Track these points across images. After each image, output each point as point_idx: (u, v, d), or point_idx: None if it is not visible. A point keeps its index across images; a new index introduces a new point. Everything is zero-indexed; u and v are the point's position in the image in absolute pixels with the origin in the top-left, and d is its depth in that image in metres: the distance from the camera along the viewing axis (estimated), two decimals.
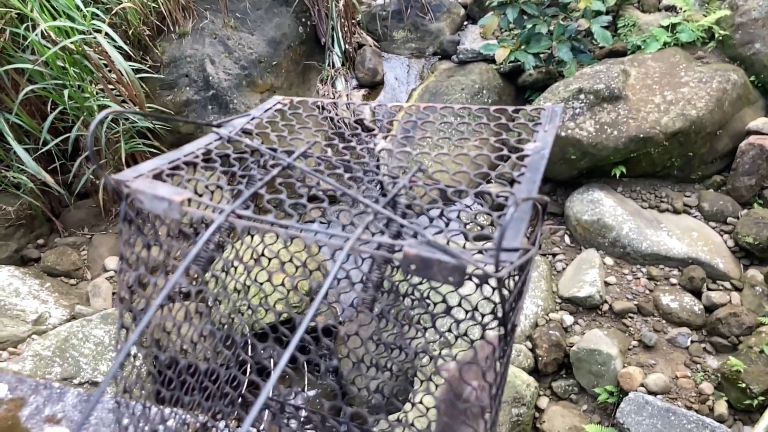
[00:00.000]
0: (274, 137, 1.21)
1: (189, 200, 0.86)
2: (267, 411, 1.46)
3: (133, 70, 3.89)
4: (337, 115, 4.89)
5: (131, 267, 0.96)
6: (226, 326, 1.39)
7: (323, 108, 4.97)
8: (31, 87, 3.63)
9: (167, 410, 1.18)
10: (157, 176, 0.96)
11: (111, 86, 3.84)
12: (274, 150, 1.11)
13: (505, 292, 0.88)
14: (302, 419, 1.44)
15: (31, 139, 3.94)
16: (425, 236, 0.74)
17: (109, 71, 3.84)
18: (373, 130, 4.92)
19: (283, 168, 1.03)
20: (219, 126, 1.19)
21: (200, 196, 0.91)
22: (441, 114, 1.22)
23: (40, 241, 4.10)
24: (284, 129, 1.23)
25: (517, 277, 0.92)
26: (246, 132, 1.18)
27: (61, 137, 3.88)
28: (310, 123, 1.17)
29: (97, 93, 3.82)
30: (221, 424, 1.42)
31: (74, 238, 4.12)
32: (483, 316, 1.16)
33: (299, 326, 0.64)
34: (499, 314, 0.89)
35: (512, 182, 1.05)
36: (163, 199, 0.85)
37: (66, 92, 3.64)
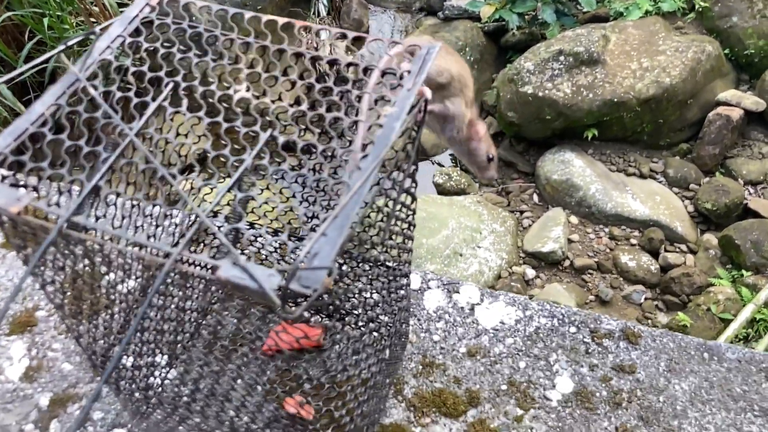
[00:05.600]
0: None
1: (27, 208, 0.77)
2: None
3: (116, 3, 3.85)
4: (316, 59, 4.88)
5: None
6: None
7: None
8: (8, 13, 3.58)
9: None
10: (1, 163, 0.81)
11: (93, 19, 3.80)
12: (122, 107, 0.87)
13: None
14: None
15: (6, 69, 3.90)
16: (237, 257, 0.68)
17: (92, 3, 3.80)
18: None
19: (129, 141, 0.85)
20: (71, 48, 0.92)
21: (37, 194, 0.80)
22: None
23: None
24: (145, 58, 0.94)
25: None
26: (104, 68, 0.93)
27: (38, 67, 3.84)
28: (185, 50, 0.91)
29: (77, 25, 3.79)
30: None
31: None
32: None
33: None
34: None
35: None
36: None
37: (45, 21, 3.60)
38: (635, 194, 3.73)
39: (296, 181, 1.25)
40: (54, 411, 1.38)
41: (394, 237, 1.02)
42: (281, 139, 0.88)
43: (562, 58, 3.97)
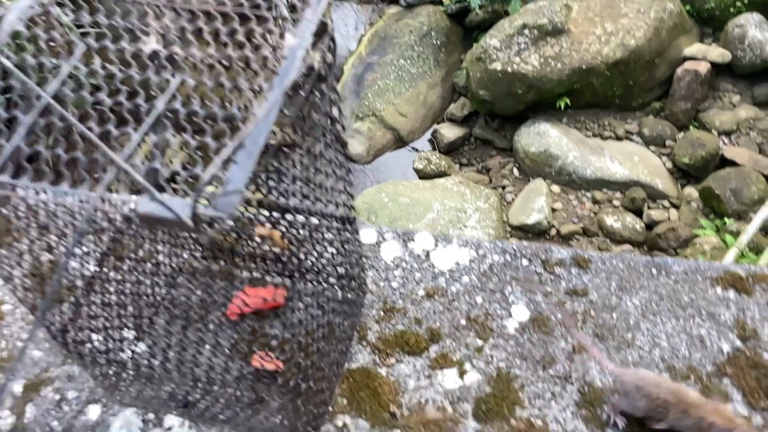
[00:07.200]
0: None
1: None
2: None
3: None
4: None
5: None
6: None
7: None
8: None
9: None
10: None
11: None
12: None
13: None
14: None
15: None
16: (153, 192, 0.74)
17: None
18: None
19: (45, 109, 0.89)
20: None
21: None
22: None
23: None
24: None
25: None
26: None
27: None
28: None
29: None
30: None
31: None
32: None
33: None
34: None
35: None
36: None
37: None
38: (613, 157, 3.75)
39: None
40: (28, 396, 1.40)
41: (326, 178, 1.04)
42: (191, 83, 0.92)
43: (526, 31, 4.00)
